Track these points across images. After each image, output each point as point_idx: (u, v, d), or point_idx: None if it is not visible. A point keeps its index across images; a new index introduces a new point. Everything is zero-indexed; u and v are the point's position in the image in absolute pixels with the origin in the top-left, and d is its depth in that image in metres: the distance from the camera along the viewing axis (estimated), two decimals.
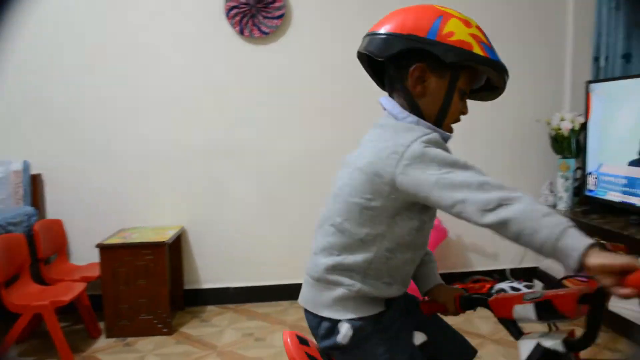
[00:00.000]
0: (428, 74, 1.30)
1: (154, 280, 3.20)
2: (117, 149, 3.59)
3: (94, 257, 3.28)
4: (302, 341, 1.39)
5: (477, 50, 1.26)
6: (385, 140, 1.25)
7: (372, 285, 1.30)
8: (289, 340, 1.38)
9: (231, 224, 3.69)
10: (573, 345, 1.18)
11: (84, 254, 3.55)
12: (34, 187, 3.52)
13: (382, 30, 1.30)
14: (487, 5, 3.61)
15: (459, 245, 3.79)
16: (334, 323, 1.30)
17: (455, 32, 1.26)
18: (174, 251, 3.59)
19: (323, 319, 1.32)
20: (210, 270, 3.72)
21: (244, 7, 3.51)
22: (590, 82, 3.36)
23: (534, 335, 1.25)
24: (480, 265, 3.86)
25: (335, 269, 1.30)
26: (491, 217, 1.09)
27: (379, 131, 1.32)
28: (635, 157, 2.93)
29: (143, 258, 3.18)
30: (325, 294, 1.32)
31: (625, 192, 2.97)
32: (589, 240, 0.99)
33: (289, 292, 3.72)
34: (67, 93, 3.53)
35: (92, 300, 3.27)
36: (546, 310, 1.20)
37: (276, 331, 3.22)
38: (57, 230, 3.52)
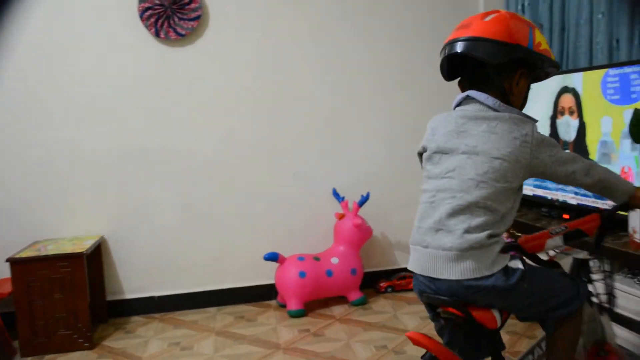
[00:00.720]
0: (522, 77, 1.66)
1: (72, 293, 3.06)
2: (27, 155, 3.40)
3: (6, 272, 3.10)
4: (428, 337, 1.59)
5: (553, 56, 1.65)
6: (511, 131, 1.58)
7: (504, 240, 1.64)
8: (418, 338, 1.57)
9: (153, 231, 3.59)
10: (591, 250, 1.91)
11: None
12: None
13: (488, 37, 1.57)
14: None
15: (384, 244, 3.85)
16: (503, 270, 1.57)
17: (542, 42, 1.62)
18: (93, 261, 3.45)
19: (493, 275, 1.56)
20: (133, 279, 3.60)
21: (158, 9, 3.42)
22: None
23: (562, 256, 1.85)
24: (405, 262, 3.91)
25: (491, 236, 1.55)
26: (590, 179, 1.63)
27: (495, 123, 1.59)
28: None
29: (59, 270, 3.04)
30: (488, 255, 1.55)
31: (536, 186, 3.12)
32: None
33: (216, 297, 3.67)
34: None
35: (5, 318, 3.10)
36: (573, 236, 1.75)
37: (203, 339, 3.16)
38: None
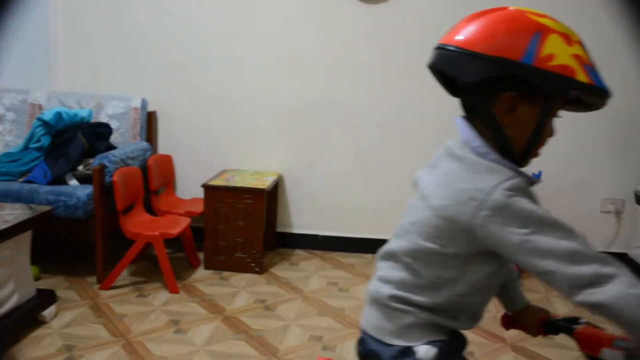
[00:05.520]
0: (520, 102, 1.14)
1: (251, 223, 3.45)
2: (225, 95, 3.82)
3: (196, 192, 3.59)
4: None
5: (581, 76, 1.09)
6: (463, 180, 1.14)
7: (440, 316, 1.23)
8: None
9: (325, 175, 3.87)
10: None
11: (187, 188, 3.89)
12: (149, 123, 3.81)
13: (464, 47, 1.13)
14: None
15: None
16: (404, 349, 1.22)
17: (556, 55, 1.08)
18: (270, 195, 3.82)
19: (389, 346, 1.24)
20: (301, 216, 3.95)
21: None
22: None
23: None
24: None
25: (402, 300, 1.23)
26: (582, 297, 1.02)
27: (456, 165, 1.18)
28: None
29: (243, 201, 3.42)
30: (393, 321, 1.24)
31: None
32: None
33: (374, 245, 3.88)
34: (185, 40, 3.79)
35: (192, 231, 3.58)
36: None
37: (359, 284, 3.42)
38: (166, 165, 3.84)
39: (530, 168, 3.40)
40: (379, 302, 1.26)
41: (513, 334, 2.82)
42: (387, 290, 1.24)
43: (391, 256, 1.27)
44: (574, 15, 3.44)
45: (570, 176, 3.67)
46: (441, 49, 1.19)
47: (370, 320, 1.29)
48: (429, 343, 1.20)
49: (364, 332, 1.31)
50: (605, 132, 3.63)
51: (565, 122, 3.82)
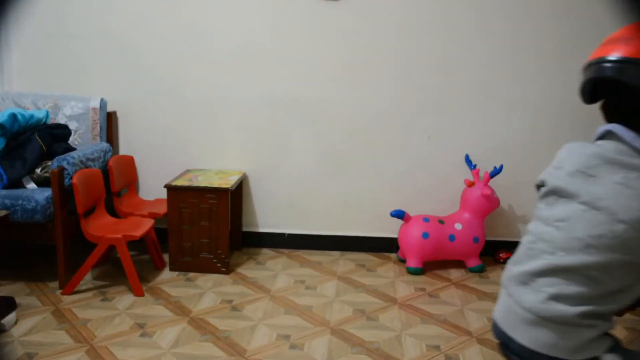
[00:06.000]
0: None
1: (216, 223, 3.41)
2: (187, 93, 3.76)
3: (160, 193, 3.54)
4: None
5: None
6: None
7: (609, 322, 1.30)
8: None
9: (291, 173, 3.85)
10: None
11: (151, 189, 3.83)
12: (109, 123, 3.73)
13: None
14: None
15: (509, 215, 3.85)
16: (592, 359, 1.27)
17: None
18: (235, 194, 3.79)
19: None
20: (267, 215, 3.92)
21: None
22: None
23: None
24: None
25: (588, 316, 1.25)
26: None
27: (634, 175, 1.22)
28: None
29: (207, 201, 3.38)
30: (573, 337, 1.26)
31: None
32: None
33: (340, 243, 3.91)
34: (145, 38, 3.71)
35: (156, 232, 3.53)
36: None
37: (326, 281, 3.42)
38: (128, 166, 3.76)
39: (492, 162, 3.45)
40: (554, 321, 1.27)
41: (477, 327, 2.86)
42: (569, 308, 1.25)
43: (562, 272, 1.27)
44: (573, 14, 3.52)
45: (530, 168, 3.72)
46: (618, 62, 1.24)
47: (542, 339, 1.29)
48: (610, 350, 1.26)
49: (533, 352, 1.30)
50: (567, 125, 3.70)
51: (527, 116, 3.84)
